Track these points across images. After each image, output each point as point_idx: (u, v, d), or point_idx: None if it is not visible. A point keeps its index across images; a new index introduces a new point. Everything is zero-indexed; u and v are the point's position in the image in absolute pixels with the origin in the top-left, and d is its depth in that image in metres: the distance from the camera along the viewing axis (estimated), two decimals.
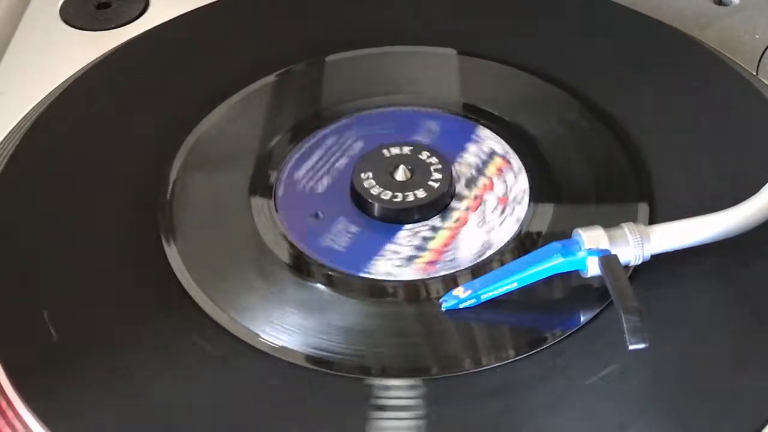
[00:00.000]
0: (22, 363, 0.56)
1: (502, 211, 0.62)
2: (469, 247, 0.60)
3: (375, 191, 0.62)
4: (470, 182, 0.64)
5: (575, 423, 0.53)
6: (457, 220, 0.62)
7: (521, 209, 0.62)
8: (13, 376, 0.55)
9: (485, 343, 0.56)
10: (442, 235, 0.61)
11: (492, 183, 0.64)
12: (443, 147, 0.65)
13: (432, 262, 0.60)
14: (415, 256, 0.60)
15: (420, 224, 0.61)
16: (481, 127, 0.67)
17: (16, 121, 0.69)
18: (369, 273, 0.59)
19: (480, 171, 0.64)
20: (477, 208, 0.62)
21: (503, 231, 0.61)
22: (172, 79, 0.71)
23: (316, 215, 0.62)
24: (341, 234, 0.61)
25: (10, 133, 0.68)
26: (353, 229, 0.61)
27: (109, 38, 0.76)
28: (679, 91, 0.69)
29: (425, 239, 0.61)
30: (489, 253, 0.60)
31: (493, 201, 0.63)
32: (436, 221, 0.62)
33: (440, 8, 0.75)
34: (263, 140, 0.67)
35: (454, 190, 0.63)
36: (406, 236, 0.61)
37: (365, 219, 0.62)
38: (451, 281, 0.58)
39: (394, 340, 0.57)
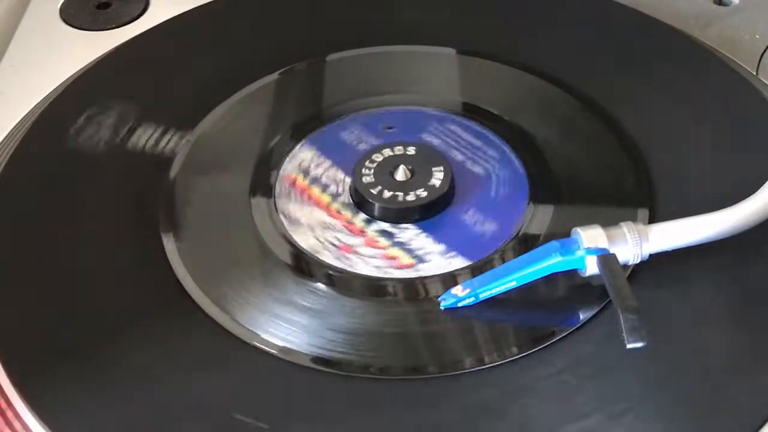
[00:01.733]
0: (22, 363, 0.56)
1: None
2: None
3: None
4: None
5: (575, 422, 0.53)
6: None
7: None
8: (13, 376, 0.55)
9: (485, 342, 0.56)
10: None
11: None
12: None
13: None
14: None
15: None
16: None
17: (16, 121, 0.69)
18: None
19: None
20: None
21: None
22: (172, 79, 0.71)
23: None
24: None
25: (10, 133, 0.68)
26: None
27: (109, 38, 0.76)
28: (679, 91, 0.69)
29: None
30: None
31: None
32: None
33: (440, 8, 0.75)
34: (263, 140, 0.67)
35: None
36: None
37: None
38: (450, 280, 0.58)
39: (393, 340, 0.57)
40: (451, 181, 0.62)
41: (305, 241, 0.61)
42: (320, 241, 0.61)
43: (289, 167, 0.65)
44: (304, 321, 0.57)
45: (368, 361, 0.56)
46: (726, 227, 0.57)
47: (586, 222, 0.57)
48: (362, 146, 0.66)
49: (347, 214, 0.62)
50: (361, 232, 0.61)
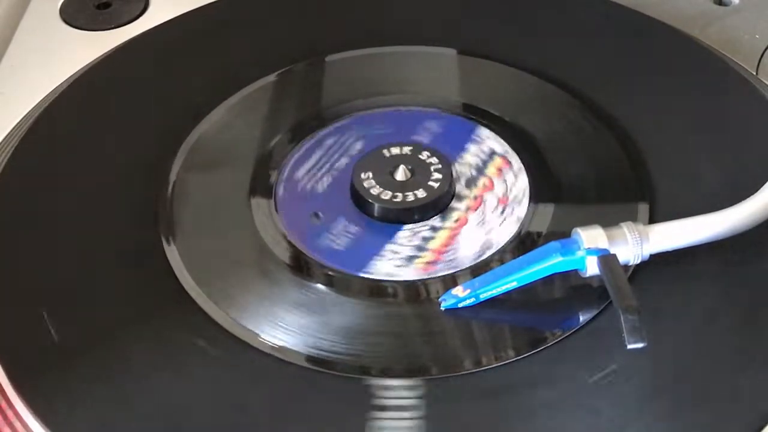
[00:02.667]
0: (22, 363, 0.56)
1: (502, 211, 0.62)
2: (469, 247, 0.60)
3: (375, 191, 0.62)
4: (470, 182, 0.64)
5: (575, 423, 0.53)
6: (457, 221, 0.62)
7: (521, 209, 0.62)
8: (13, 376, 0.55)
9: (485, 343, 0.56)
10: (442, 236, 0.61)
11: (492, 183, 0.64)
12: (443, 147, 0.65)
13: (432, 262, 0.60)
14: (415, 257, 0.60)
15: (420, 224, 0.61)
16: (481, 127, 0.67)
17: (16, 121, 0.69)
18: (369, 273, 0.59)
19: (480, 171, 0.64)
20: (477, 209, 0.62)
21: (503, 231, 0.61)
22: (172, 79, 0.71)
23: (317, 215, 0.62)
24: (341, 234, 0.61)
25: (10, 133, 0.68)
26: (353, 229, 0.61)
27: (109, 38, 0.76)
28: (679, 91, 0.69)
29: (425, 239, 0.61)
30: (489, 253, 0.60)
31: (493, 201, 0.63)
32: (436, 221, 0.62)
33: (440, 8, 0.75)
34: (263, 140, 0.67)
35: (454, 190, 0.63)
36: (406, 236, 0.61)
37: (365, 219, 0.62)
38: (451, 281, 0.58)
39: (393, 340, 0.57)
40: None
41: None
42: None
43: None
44: (304, 321, 0.57)
45: (368, 361, 0.56)
46: (726, 227, 0.57)
47: (587, 222, 0.57)
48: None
49: None
50: None
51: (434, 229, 0.61)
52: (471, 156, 0.65)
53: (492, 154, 0.65)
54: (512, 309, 0.57)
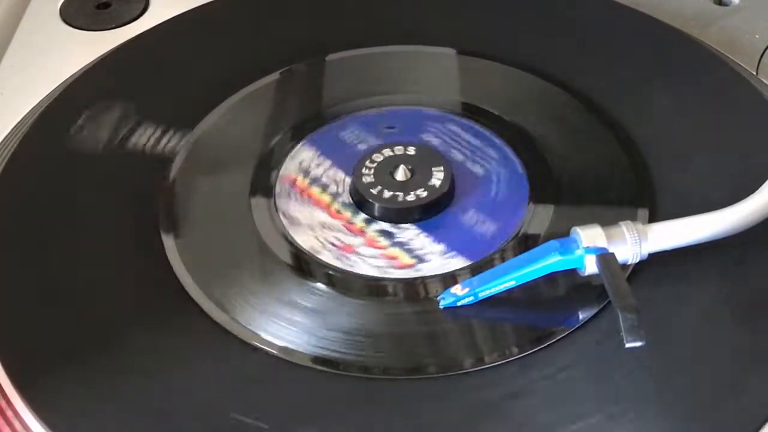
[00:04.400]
0: (22, 363, 0.56)
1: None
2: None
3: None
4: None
5: (574, 422, 0.53)
6: None
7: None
8: (13, 376, 0.55)
9: (484, 342, 0.56)
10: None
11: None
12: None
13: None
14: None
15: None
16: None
17: (16, 121, 0.69)
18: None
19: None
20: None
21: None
22: (172, 79, 0.71)
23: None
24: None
25: (10, 133, 0.69)
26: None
27: (109, 38, 0.76)
28: (679, 91, 0.69)
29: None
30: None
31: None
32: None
33: (440, 8, 0.75)
34: (263, 140, 0.67)
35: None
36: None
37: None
38: (450, 280, 0.59)
39: (393, 340, 0.57)
40: (451, 181, 0.62)
41: (305, 241, 0.61)
42: (320, 241, 0.61)
43: (289, 167, 0.65)
44: (304, 321, 0.57)
45: (368, 361, 0.56)
46: (725, 227, 0.57)
47: (586, 222, 0.57)
48: (362, 146, 0.66)
49: (347, 214, 0.62)
50: (361, 232, 0.62)
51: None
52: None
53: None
54: (511, 308, 0.57)
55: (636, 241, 0.56)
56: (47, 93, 0.71)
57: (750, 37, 0.74)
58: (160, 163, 0.65)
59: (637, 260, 0.57)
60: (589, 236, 0.56)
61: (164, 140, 0.66)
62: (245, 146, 0.66)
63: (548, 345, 0.55)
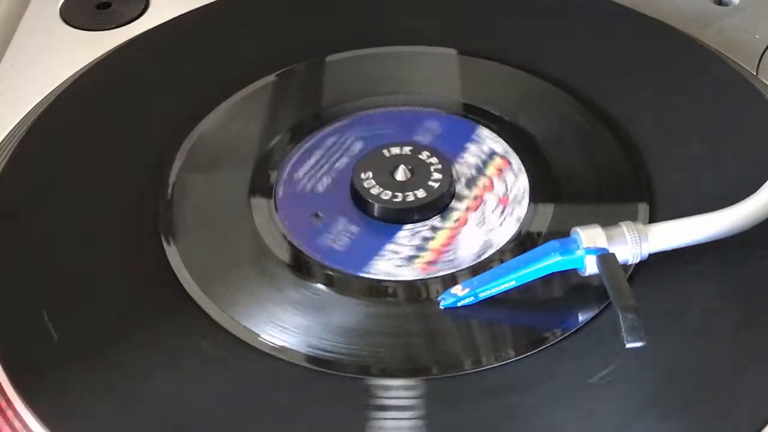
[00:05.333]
0: (22, 363, 0.56)
1: (502, 211, 0.62)
2: (469, 247, 0.60)
3: (375, 191, 0.62)
4: (470, 182, 0.64)
5: (574, 423, 0.53)
6: (457, 220, 0.62)
7: (521, 209, 0.62)
8: (13, 376, 0.55)
9: (485, 343, 0.56)
10: (442, 235, 0.61)
11: (492, 183, 0.64)
12: (443, 147, 0.65)
13: (432, 262, 0.60)
14: (415, 256, 0.60)
15: (420, 224, 0.62)
16: (481, 127, 0.67)
17: (16, 121, 0.69)
18: (369, 273, 0.59)
19: (480, 171, 0.64)
20: (477, 208, 0.62)
21: (503, 231, 0.61)
22: (172, 79, 0.71)
23: (317, 215, 0.62)
24: (341, 234, 0.61)
25: (10, 133, 0.69)
26: (353, 229, 0.61)
27: (109, 38, 0.76)
28: (679, 91, 0.69)
29: (425, 239, 0.61)
30: (489, 253, 0.60)
31: (493, 201, 0.63)
32: (436, 221, 0.62)
33: (440, 8, 0.75)
34: (263, 140, 0.67)
35: (454, 190, 0.63)
36: (406, 236, 0.61)
37: (365, 219, 0.62)
38: (450, 281, 0.58)
39: (393, 340, 0.57)
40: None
41: None
42: None
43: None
44: (304, 321, 0.57)
45: (368, 361, 0.56)
46: (725, 227, 0.57)
47: (587, 222, 0.57)
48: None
49: None
50: None
51: (434, 229, 0.61)
52: (471, 156, 0.65)
53: (492, 154, 0.65)
54: (511, 309, 0.57)
55: (636, 242, 0.56)
56: (47, 93, 0.71)
57: (750, 37, 0.74)
58: (160, 163, 0.65)
59: (638, 260, 0.57)
60: (590, 236, 0.56)
61: None
62: (245, 146, 0.66)
63: (548, 346, 0.55)
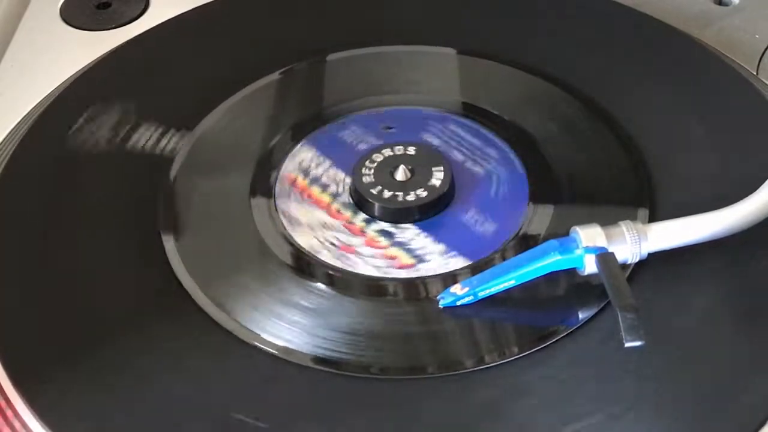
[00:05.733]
0: (22, 363, 0.56)
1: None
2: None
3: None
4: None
5: (574, 422, 0.53)
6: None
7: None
8: (13, 376, 0.55)
9: (484, 342, 0.56)
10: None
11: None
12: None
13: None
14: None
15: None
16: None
17: (16, 121, 0.69)
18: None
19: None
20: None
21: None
22: (172, 79, 0.71)
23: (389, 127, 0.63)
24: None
25: (10, 133, 0.69)
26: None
27: (109, 38, 0.76)
28: (679, 91, 0.69)
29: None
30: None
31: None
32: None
33: (440, 8, 0.75)
34: (263, 140, 0.67)
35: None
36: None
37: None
38: (450, 280, 0.58)
39: (393, 340, 0.57)
40: (451, 181, 0.62)
41: (305, 241, 0.61)
42: (320, 241, 0.61)
43: (289, 167, 0.65)
44: (304, 321, 0.57)
45: (368, 361, 0.56)
46: (725, 226, 0.57)
47: (586, 222, 0.57)
48: (362, 146, 0.66)
49: (347, 214, 0.62)
50: (361, 232, 0.62)
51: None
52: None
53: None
54: (511, 308, 0.57)
55: (636, 241, 0.56)
56: (47, 93, 0.71)
57: (750, 37, 0.74)
58: (160, 163, 0.65)
59: (637, 260, 0.57)
60: (589, 236, 0.56)
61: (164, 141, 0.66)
62: (245, 146, 0.66)
63: (548, 345, 0.55)
